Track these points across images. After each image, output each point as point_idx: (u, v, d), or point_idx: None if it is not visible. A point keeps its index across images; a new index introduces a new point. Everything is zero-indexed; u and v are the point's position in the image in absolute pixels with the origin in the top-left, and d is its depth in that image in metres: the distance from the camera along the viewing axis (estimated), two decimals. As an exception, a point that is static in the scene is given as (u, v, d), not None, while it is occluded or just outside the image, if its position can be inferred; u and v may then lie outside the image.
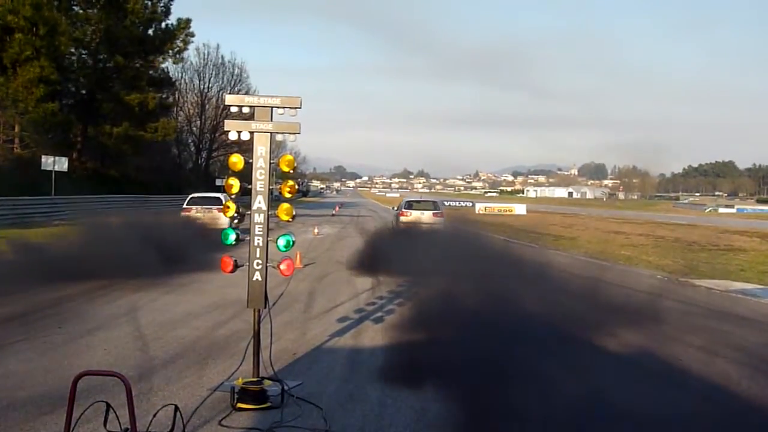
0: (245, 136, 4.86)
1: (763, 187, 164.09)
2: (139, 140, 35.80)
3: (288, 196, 5.05)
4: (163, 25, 38.54)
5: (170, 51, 39.22)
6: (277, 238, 4.85)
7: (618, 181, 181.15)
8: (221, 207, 5.08)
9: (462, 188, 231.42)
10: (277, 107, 4.82)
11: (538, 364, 4.99)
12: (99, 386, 4.68)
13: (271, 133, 4.87)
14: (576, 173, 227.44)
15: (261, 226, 4.81)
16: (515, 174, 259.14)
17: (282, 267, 4.82)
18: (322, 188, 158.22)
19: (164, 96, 41.15)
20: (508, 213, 49.95)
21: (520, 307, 7.00)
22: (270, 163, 4.90)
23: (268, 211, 4.83)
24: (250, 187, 4.84)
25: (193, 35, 39.72)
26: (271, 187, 4.89)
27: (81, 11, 34.50)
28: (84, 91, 35.61)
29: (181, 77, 49.12)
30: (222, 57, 51.95)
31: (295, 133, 4.96)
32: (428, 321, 6.73)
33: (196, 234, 15.05)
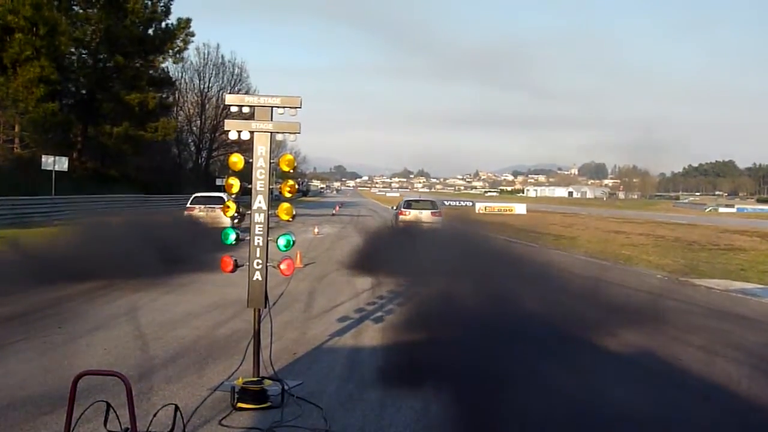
0: (245, 136, 4.86)
1: (763, 186, 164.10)
2: (139, 140, 35.80)
3: (288, 195, 5.05)
4: (163, 24, 38.58)
5: (170, 51, 39.22)
6: (278, 238, 4.85)
7: (618, 181, 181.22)
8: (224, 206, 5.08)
9: (462, 188, 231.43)
10: (277, 107, 4.82)
11: (537, 363, 4.99)
12: (99, 386, 4.68)
13: (271, 132, 4.87)
14: (576, 173, 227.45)
15: (261, 225, 4.81)
16: (515, 174, 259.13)
17: (282, 267, 4.82)
18: (322, 188, 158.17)
19: (164, 96, 41.14)
20: (508, 213, 49.94)
21: (519, 306, 7.00)
22: (270, 163, 4.90)
23: (268, 210, 4.83)
24: (250, 186, 4.84)
25: (193, 35, 39.78)
26: (271, 186, 4.88)
27: (81, 11, 34.49)
28: (84, 91, 35.61)
29: (181, 77, 49.17)
30: (222, 57, 51.98)
31: (295, 133, 4.96)
32: (428, 321, 6.73)
33: (199, 233, 15.14)
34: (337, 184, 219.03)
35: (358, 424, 4.36)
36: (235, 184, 4.87)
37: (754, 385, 5.19)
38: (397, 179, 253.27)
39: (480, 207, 52.51)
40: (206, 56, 50.58)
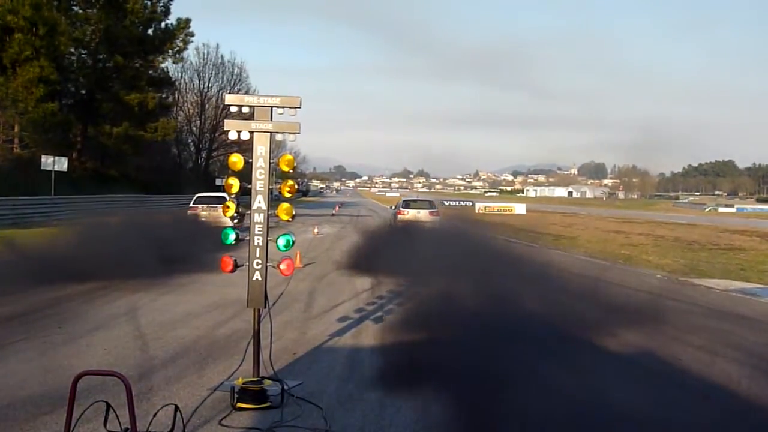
0: (245, 136, 4.86)
1: (762, 186, 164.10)
2: (138, 140, 35.79)
3: (288, 195, 5.05)
4: (163, 24, 38.57)
5: (170, 51, 39.21)
6: (277, 238, 4.85)
7: (618, 181, 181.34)
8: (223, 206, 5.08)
9: (462, 188, 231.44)
10: (277, 107, 4.82)
11: (537, 363, 4.99)
12: (99, 386, 4.68)
13: (270, 132, 4.87)
14: (576, 173, 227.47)
15: (261, 225, 4.81)
16: (515, 173, 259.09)
17: (282, 267, 4.82)
18: (322, 188, 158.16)
19: (164, 96, 41.13)
20: (507, 213, 49.93)
21: (519, 306, 6.99)
22: (270, 163, 4.90)
23: (268, 210, 4.83)
24: (249, 186, 4.84)
25: (192, 35, 39.77)
26: (270, 186, 4.88)
27: (80, 11, 34.48)
28: (84, 91, 35.59)
29: (181, 77, 49.17)
30: (222, 57, 51.98)
31: (294, 133, 4.96)
32: (428, 320, 6.72)
33: (200, 232, 15.26)
34: (336, 184, 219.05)
35: (358, 424, 4.36)
36: (234, 184, 4.87)
37: (754, 385, 5.19)
38: (396, 179, 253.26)
39: (480, 207, 52.49)
40: (206, 56, 50.66)
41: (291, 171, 5.03)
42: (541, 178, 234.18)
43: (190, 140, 52.38)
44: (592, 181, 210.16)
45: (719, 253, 18.88)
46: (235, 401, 4.54)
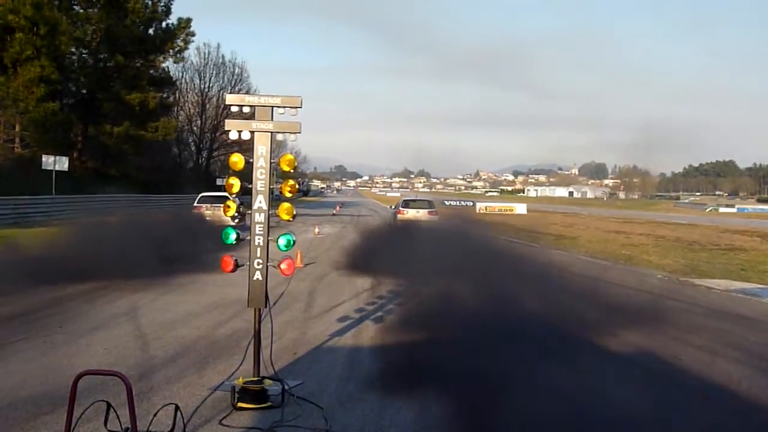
0: (246, 136, 4.86)
1: (763, 186, 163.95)
2: (139, 140, 35.80)
3: (289, 195, 5.05)
4: (164, 24, 38.56)
5: (171, 50, 39.20)
6: (278, 238, 4.85)
7: (618, 181, 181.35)
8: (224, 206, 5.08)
9: (463, 188, 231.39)
10: (278, 107, 4.82)
11: (537, 363, 4.99)
12: (99, 386, 4.69)
13: (271, 132, 4.87)
14: (576, 173, 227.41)
15: (261, 225, 4.81)
16: (516, 173, 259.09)
17: (282, 266, 4.82)
18: (322, 188, 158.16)
19: (165, 95, 41.13)
20: (508, 212, 49.93)
21: (520, 306, 7.00)
22: (270, 163, 4.90)
23: (268, 210, 4.84)
24: (250, 186, 4.84)
25: (193, 35, 39.74)
26: (271, 186, 4.88)
27: (81, 11, 34.48)
28: (84, 91, 35.60)
29: (182, 77, 49.20)
30: (222, 56, 52.04)
31: (295, 133, 4.96)
32: (428, 320, 6.73)
33: (202, 231, 15.33)
34: (337, 184, 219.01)
35: (359, 423, 4.36)
36: (235, 183, 4.87)
37: (754, 385, 5.19)
38: (397, 179, 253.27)
39: (480, 207, 52.49)
40: (206, 56, 50.71)
41: (292, 171, 5.03)
42: (542, 178, 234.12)
43: (190, 140, 52.44)
44: (592, 181, 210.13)
45: (720, 253, 18.87)
46: (236, 401, 4.54)
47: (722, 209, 77.88)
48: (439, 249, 11.04)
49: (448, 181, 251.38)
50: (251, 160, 4.84)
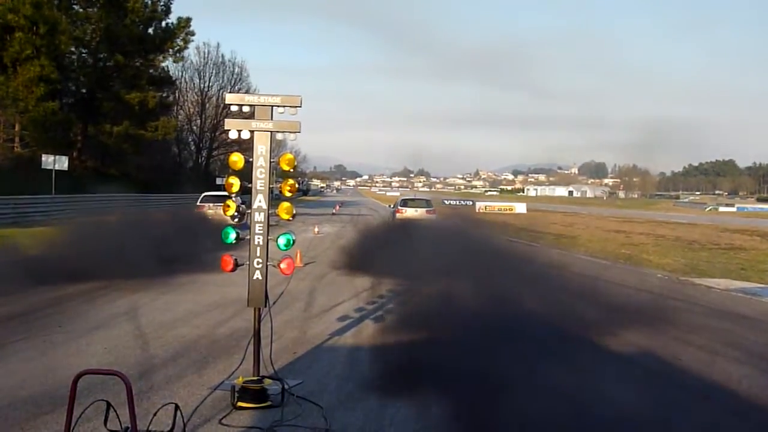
0: (245, 135, 4.86)
1: (763, 185, 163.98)
2: (139, 139, 35.77)
3: (288, 194, 5.05)
4: (164, 23, 38.50)
5: (170, 50, 39.14)
6: (278, 237, 4.85)
7: (618, 180, 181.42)
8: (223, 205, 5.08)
9: (462, 187, 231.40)
10: (278, 106, 4.82)
11: (537, 363, 4.99)
12: (99, 385, 4.69)
13: (271, 131, 4.87)
14: (576, 172, 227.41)
15: (261, 224, 4.81)
16: (515, 173, 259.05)
17: (282, 266, 4.82)
18: (322, 187, 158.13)
19: (164, 95, 41.09)
20: (508, 212, 49.91)
21: (520, 306, 6.99)
22: (270, 162, 4.90)
23: (268, 209, 4.83)
24: (250, 185, 4.84)
25: (193, 34, 39.66)
26: (271, 185, 4.88)
27: (81, 10, 34.44)
28: (84, 90, 35.57)
29: (182, 76, 49.14)
30: (222, 56, 51.94)
31: (295, 132, 4.96)
32: (428, 320, 6.73)
33: (206, 229, 15.36)
34: (337, 183, 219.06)
35: (359, 423, 4.36)
36: (235, 183, 4.87)
37: (754, 385, 5.20)
38: (397, 178, 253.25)
39: (480, 206, 52.49)
40: (206, 55, 50.63)
41: (291, 170, 5.02)
42: (542, 177, 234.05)
43: (190, 139, 52.38)
44: (592, 180, 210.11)
45: (720, 252, 18.88)
46: (236, 400, 4.54)
47: (722, 208, 77.84)
48: (439, 248, 11.04)
49: (447, 180, 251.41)
50: (251, 160, 4.83)
